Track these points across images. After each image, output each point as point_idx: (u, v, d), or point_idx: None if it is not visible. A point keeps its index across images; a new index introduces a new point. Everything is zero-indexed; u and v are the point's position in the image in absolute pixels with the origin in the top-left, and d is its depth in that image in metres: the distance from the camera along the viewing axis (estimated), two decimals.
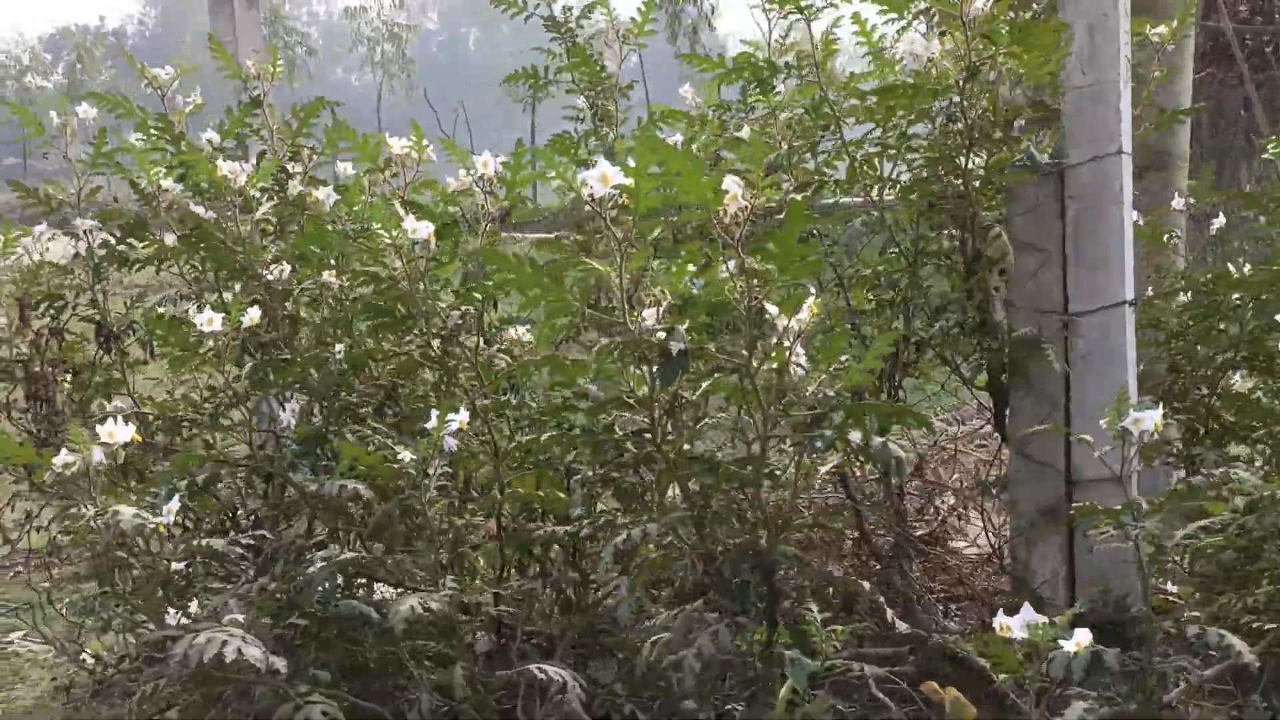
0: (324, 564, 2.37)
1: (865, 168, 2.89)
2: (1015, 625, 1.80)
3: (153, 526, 1.86)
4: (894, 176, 2.94)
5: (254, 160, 2.87)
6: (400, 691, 2.59)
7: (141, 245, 3.01)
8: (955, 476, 4.12)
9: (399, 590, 2.95)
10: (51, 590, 3.53)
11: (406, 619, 1.92)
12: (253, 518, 2.75)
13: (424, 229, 2.23)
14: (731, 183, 1.67)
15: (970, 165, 2.62)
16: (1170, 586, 3.09)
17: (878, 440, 1.76)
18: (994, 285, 2.86)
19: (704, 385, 1.91)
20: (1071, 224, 2.80)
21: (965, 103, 2.54)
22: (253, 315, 2.33)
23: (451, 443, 2.06)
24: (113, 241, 3.07)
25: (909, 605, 2.98)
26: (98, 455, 1.93)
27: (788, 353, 1.79)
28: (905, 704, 2.75)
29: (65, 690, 3.31)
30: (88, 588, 3.83)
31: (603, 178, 1.76)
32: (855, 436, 1.79)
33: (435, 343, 2.57)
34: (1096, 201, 2.78)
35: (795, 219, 1.60)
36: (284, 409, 2.64)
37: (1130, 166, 2.80)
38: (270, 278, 2.55)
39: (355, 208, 2.67)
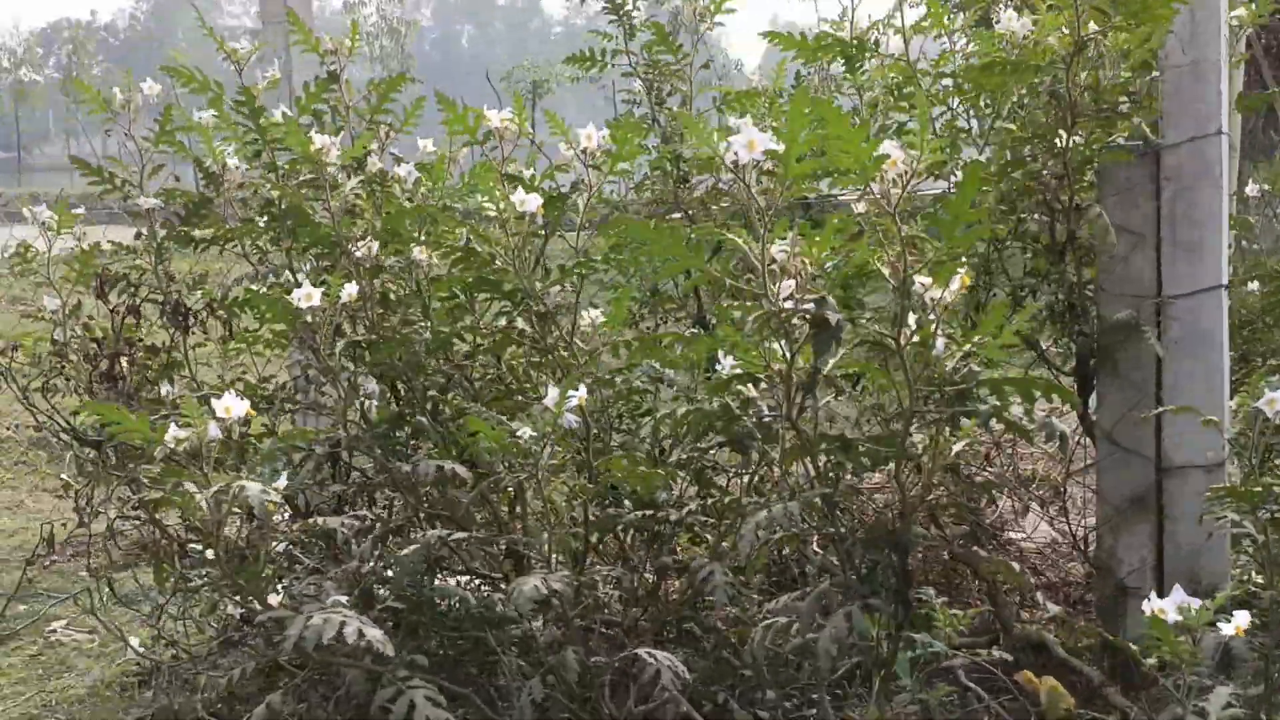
0: (417, 546, 2.32)
1: (952, 150, 2.83)
2: (1168, 607, 1.74)
3: (276, 501, 1.80)
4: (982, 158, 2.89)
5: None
6: (490, 679, 2.54)
7: (205, 226, 2.95)
8: (1010, 468, 4.08)
9: (468, 578, 2.90)
10: (98, 577, 3.47)
11: (532, 599, 1.86)
12: (334, 499, 2.69)
13: (533, 201, 2.18)
14: (891, 146, 1.62)
15: (1069, 145, 2.56)
16: (1256, 576, 3.05)
17: (1041, 415, 1.71)
18: (1086, 269, 2.81)
19: (832, 360, 1.85)
20: (1167, 206, 2.75)
21: (1070, 80, 2.48)
22: (350, 290, 2.27)
23: (572, 418, 2.00)
24: (175, 221, 3.01)
25: (992, 593, 2.93)
26: (213, 430, 1.86)
27: (934, 326, 1.73)
28: (996, 694, 2.71)
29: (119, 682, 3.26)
30: (124, 577, 3.78)
31: (749, 143, 1.70)
32: (1018, 411, 1.74)
33: (521, 321, 2.52)
34: (1194, 183, 2.72)
35: (972, 181, 1.55)
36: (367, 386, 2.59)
37: (1228, 148, 2.75)
38: (359, 254, 2.48)
39: (440, 183, 2.62)
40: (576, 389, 2.00)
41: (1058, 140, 2.61)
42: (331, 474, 2.79)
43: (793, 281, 1.80)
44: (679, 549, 2.76)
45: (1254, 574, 3.02)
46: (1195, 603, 1.75)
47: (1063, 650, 2.92)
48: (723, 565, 2.24)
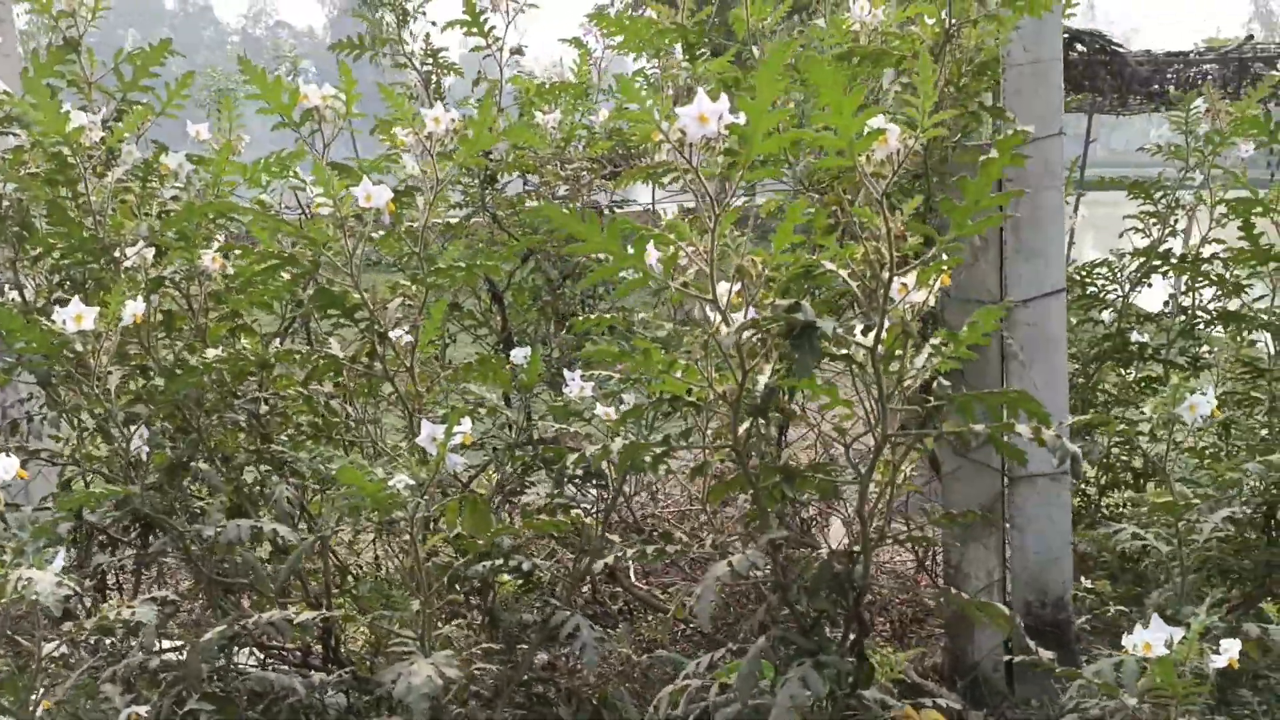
0: (220, 628, 1.84)
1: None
2: (1153, 641, 1.57)
3: (72, 592, 1.30)
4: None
5: None
6: None
7: None
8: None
9: (265, 655, 2.41)
10: None
11: (428, 693, 1.45)
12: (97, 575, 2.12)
13: (380, 194, 1.76)
14: (885, 121, 1.35)
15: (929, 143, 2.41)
16: (1084, 581, 3.03)
17: (1050, 434, 1.49)
18: None
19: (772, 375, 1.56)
20: (1010, 208, 2.67)
21: (939, 72, 2.33)
22: (136, 309, 1.76)
23: (457, 461, 1.60)
24: None
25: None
26: None
27: (908, 329, 1.48)
28: None
29: None
30: None
31: (700, 116, 1.39)
32: (1024, 430, 1.51)
33: (335, 343, 2.09)
34: (1036, 184, 2.65)
35: (1003, 158, 1.31)
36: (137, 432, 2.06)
37: (1063, 149, 2.71)
38: (129, 263, 1.96)
39: (220, 175, 2.14)
40: (461, 421, 1.61)
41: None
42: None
43: (728, 285, 1.51)
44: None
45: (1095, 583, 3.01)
46: (1178, 633, 1.59)
47: (916, 675, 2.77)
48: (584, 617, 1.91)
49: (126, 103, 2.35)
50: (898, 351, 1.50)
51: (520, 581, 2.34)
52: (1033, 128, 2.59)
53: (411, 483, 1.54)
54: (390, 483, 1.52)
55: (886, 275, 1.41)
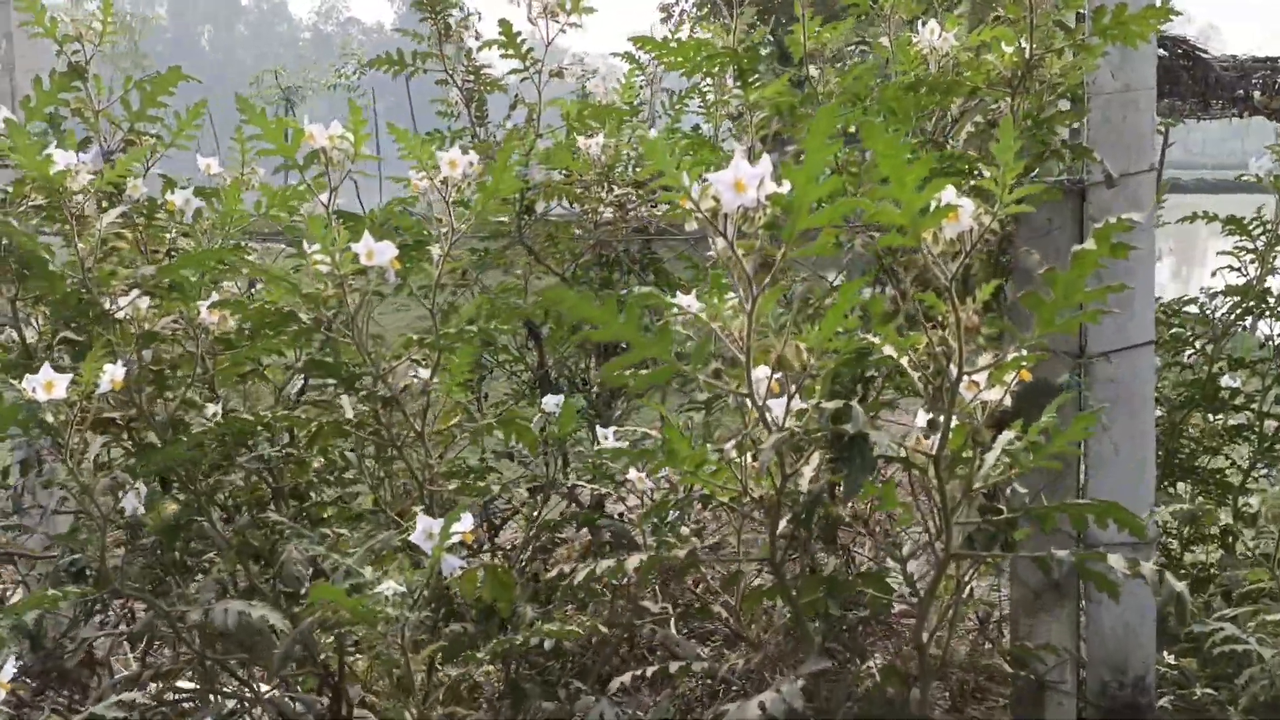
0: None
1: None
2: None
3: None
4: None
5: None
6: None
7: None
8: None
9: None
10: None
11: None
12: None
13: (384, 251, 1.58)
14: (954, 195, 1.13)
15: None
16: (1167, 656, 2.77)
17: (1149, 568, 1.26)
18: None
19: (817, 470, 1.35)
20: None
21: (1016, 104, 2.09)
22: (115, 375, 1.60)
23: (454, 562, 1.41)
24: None
25: None
26: None
27: (979, 435, 1.26)
28: None
29: None
30: None
31: (737, 184, 1.18)
32: (1119, 564, 1.29)
33: (346, 403, 1.91)
34: None
35: (1101, 248, 1.08)
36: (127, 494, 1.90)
37: (1154, 186, 2.45)
38: (121, 315, 1.80)
39: (233, 215, 1.97)
40: (460, 517, 1.41)
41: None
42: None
43: (766, 370, 1.30)
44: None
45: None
46: None
47: None
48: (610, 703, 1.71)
49: (135, 133, 2.19)
50: (965, 453, 1.28)
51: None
52: (1120, 164, 2.34)
53: (400, 590, 1.35)
54: (376, 590, 1.34)
55: (955, 371, 1.19)
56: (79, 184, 1.74)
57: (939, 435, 1.22)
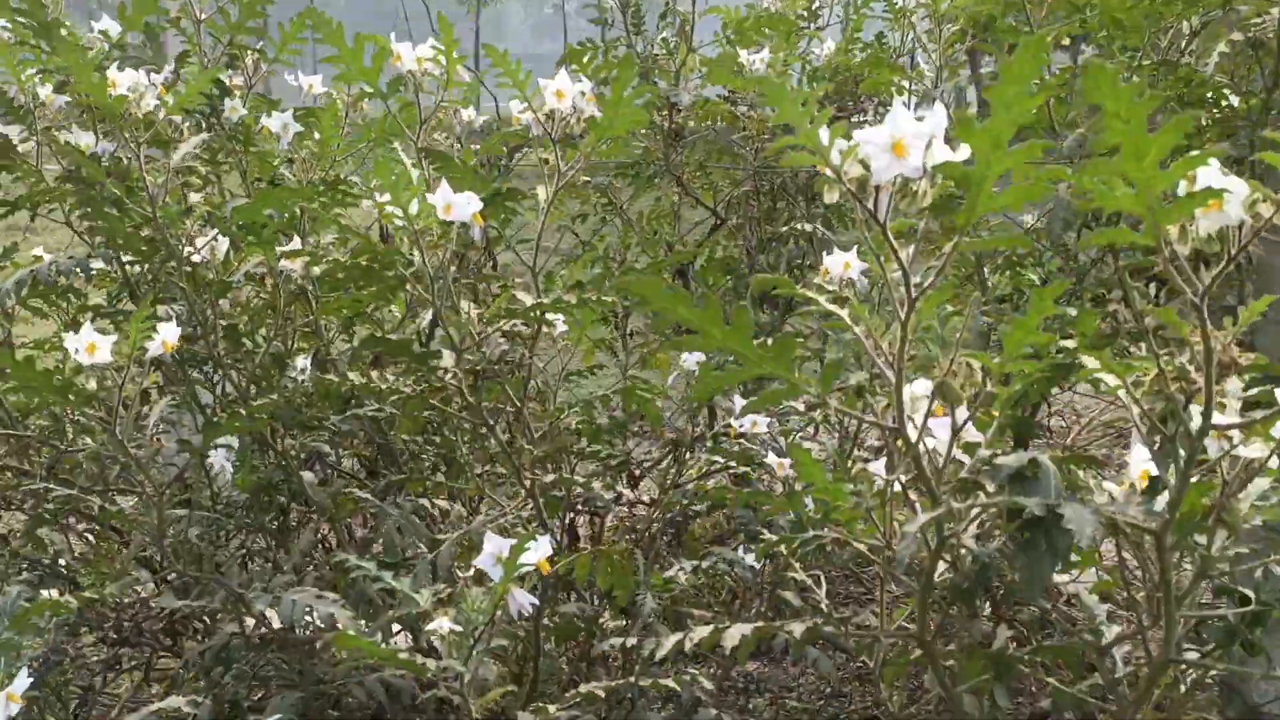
0: None
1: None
2: None
3: None
4: None
5: (171, 66, 1.90)
6: None
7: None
8: None
9: None
10: None
11: None
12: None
13: (464, 204, 1.30)
14: (1220, 174, 0.77)
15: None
16: None
17: None
18: None
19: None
20: None
21: None
22: (169, 335, 1.39)
23: (525, 599, 1.15)
24: None
25: None
26: None
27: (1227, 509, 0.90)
28: None
29: None
30: None
31: (895, 145, 0.85)
32: None
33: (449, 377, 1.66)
34: None
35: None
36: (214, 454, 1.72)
37: None
38: (197, 259, 1.60)
39: (332, 142, 1.74)
40: (534, 541, 1.15)
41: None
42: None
43: (925, 386, 0.97)
44: None
45: None
46: None
47: None
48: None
49: (235, 46, 1.98)
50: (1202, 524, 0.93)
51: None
52: None
53: (457, 629, 1.10)
54: (428, 628, 1.09)
55: (1198, 418, 0.84)
56: (146, 108, 1.52)
57: (1167, 499, 0.88)
